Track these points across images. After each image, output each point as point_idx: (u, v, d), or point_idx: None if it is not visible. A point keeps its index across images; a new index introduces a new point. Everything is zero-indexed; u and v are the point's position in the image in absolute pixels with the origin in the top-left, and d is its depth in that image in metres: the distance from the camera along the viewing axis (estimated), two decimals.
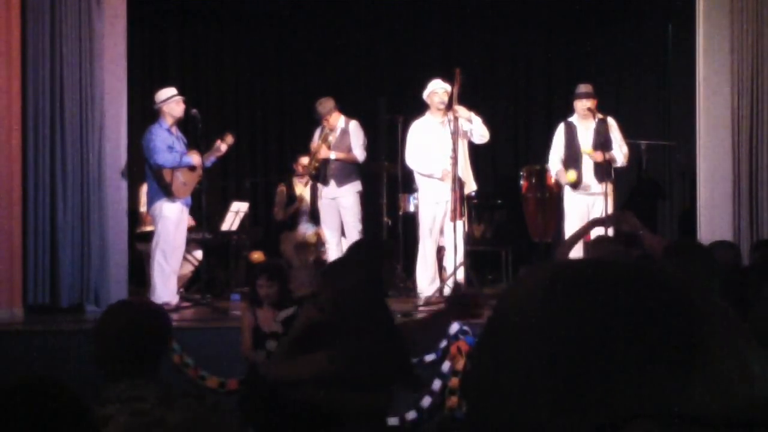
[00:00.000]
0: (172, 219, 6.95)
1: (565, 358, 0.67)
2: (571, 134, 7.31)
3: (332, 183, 7.73)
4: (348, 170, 7.68)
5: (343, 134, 7.73)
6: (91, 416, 1.65)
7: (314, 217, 8.65)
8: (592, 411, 0.65)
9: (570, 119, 7.43)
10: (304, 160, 8.29)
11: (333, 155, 7.68)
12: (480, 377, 0.73)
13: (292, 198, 8.87)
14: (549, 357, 0.67)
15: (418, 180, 7.50)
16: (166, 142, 6.95)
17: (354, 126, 7.72)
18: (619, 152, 7.32)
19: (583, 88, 7.41)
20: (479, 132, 7.28)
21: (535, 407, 0.67)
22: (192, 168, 7.05)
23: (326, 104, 7.74)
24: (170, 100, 7.02)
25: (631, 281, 0.70)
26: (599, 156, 7.08)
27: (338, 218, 7.73)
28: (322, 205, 7.91)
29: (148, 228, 7.93)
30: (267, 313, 4.66)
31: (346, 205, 7.67)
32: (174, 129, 7.12)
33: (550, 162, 7.51)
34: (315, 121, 7.89)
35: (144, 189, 8.01)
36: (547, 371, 0.67)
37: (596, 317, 0.68)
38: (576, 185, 7.23)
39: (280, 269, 4.98)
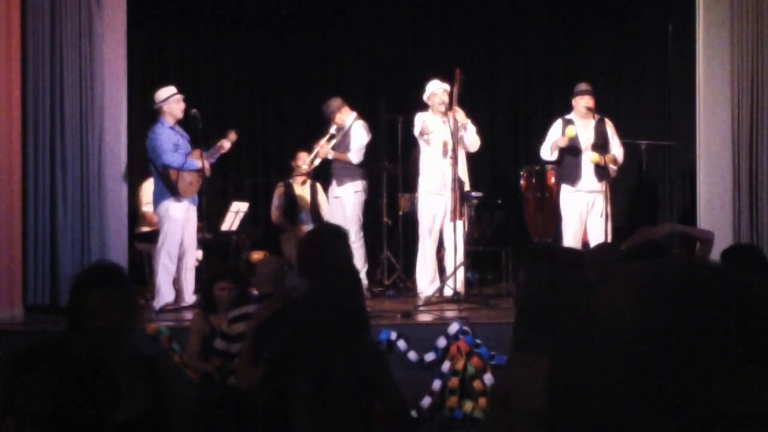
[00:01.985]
0: (178, 219, 6.92)
1: (661, 357, 0.68)
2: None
3: (334, 182, 7.76)
4: (348, 170, 7.68)
5: (345, 134, 7.73)
6: (109, 368, 1.74)
7: (315, 217, 8.65)
8: (683, 410, 0.67)
9: (568, 117, 7.42)
10: (303, 155, 8.30)
11: (331, 155, 7.70)
12: (568, 369, 0.73)
13: (291, 198, 8.85)
14: (644, 355, 0.69)
15: (419, 180, 7.49)
16: (171, 141, 6.93)
17: (357, 126, 7.72)
18: (619, 152, 7.35)
19: (583, 85, 7.42)
20: (470, 140, 7.31)
21: (626, 402, 0.68)
22: (198, 170, 7.03)
23: (331, 104, 7.76)
24: (170, 99, 7.00)
25: (728, 286, 0.72)
26: (609, 158, 7.10)
27: (343, 217, 7.74)
28: (330, 203, 7.95)
29: (148, 228, 7.93)
30: (222, 319, 4.30)
31: (345, 205, 7.68)
32: (176, 127, 7.11)
33: (542, 152, 7.43)
34: (315, 120, 7.91)
35: (143, 189, 8.01)
36: (641, 368, 0.68)
37: (694, 320, 0.69)
38: (573, 141, 7.15)
39: (241, 272, 4.83)
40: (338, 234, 3.68)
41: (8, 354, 1.69)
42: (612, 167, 7.21)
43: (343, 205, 7.69)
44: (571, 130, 7.12)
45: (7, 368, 1.65)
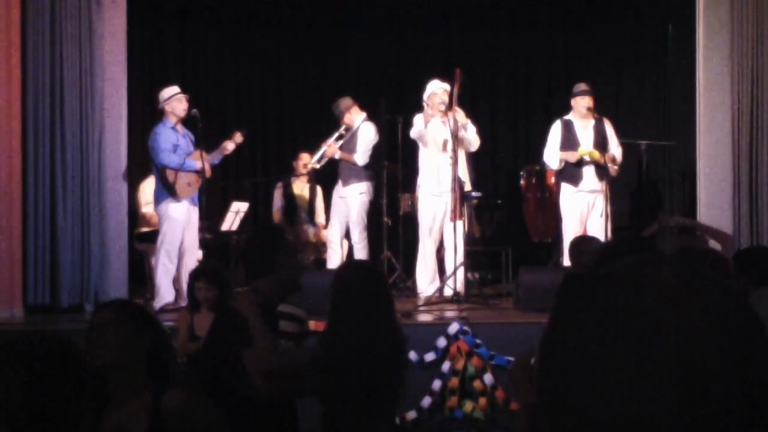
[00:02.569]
0: (177, 219, 6.91)
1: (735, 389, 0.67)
2: (570, 132, 7.31)
3: (340, 182, 7.76)
4: (354, 171, 7.68)
5: (353, 134, 7.74)
6: (85, 366, 1.73)
7: (312, 217, 8.65)
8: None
9: (567, 117, 7.42)
10: (305, 156, 8.29)
11: (337, 155, 7.71)
12: (607, 369, 0.70)
13: (291, 197, 8.85)
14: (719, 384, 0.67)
15: (419, 180, 7.49)
16: (170, 141, 6.92)
17: (364, 128, 7.72)
18: (618, 152, 7.35)
19: (582, 86, 7.41)
20: (470, 140, 7.31)
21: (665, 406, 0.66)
22: (198, 171, 7.01)
23: (341, 104, 7.77)
24: (172, 99, 7.00)
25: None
26: (609, 157, 7.11)
27: (345, 217, 7.73)
28: (334, 203, 7.95)
29: (147, 228, 7.93)
30: (204, 319, 4.30)
31: (351, 206, 7.69)
32: (179, 127, 7.08)
33: (546, 158, 7.44)
34: (315, 120, 7.91)
35: (142, 188, 8.01)
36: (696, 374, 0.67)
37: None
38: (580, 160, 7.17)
39: (219, 273, 4.77)
40: (278, 232, 3.70)
41: None
42: (612, 167, 7.22)
43: (348, 206, 7.69)
44: (583, 150, 7.12)
45: None
